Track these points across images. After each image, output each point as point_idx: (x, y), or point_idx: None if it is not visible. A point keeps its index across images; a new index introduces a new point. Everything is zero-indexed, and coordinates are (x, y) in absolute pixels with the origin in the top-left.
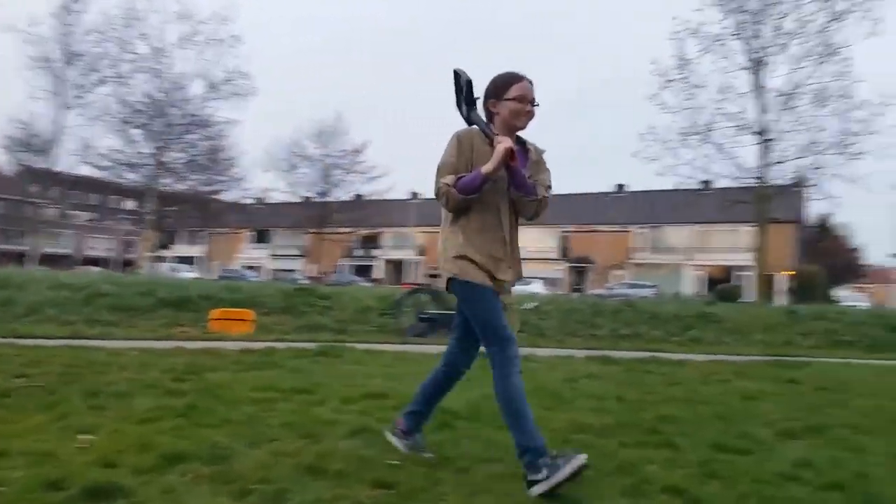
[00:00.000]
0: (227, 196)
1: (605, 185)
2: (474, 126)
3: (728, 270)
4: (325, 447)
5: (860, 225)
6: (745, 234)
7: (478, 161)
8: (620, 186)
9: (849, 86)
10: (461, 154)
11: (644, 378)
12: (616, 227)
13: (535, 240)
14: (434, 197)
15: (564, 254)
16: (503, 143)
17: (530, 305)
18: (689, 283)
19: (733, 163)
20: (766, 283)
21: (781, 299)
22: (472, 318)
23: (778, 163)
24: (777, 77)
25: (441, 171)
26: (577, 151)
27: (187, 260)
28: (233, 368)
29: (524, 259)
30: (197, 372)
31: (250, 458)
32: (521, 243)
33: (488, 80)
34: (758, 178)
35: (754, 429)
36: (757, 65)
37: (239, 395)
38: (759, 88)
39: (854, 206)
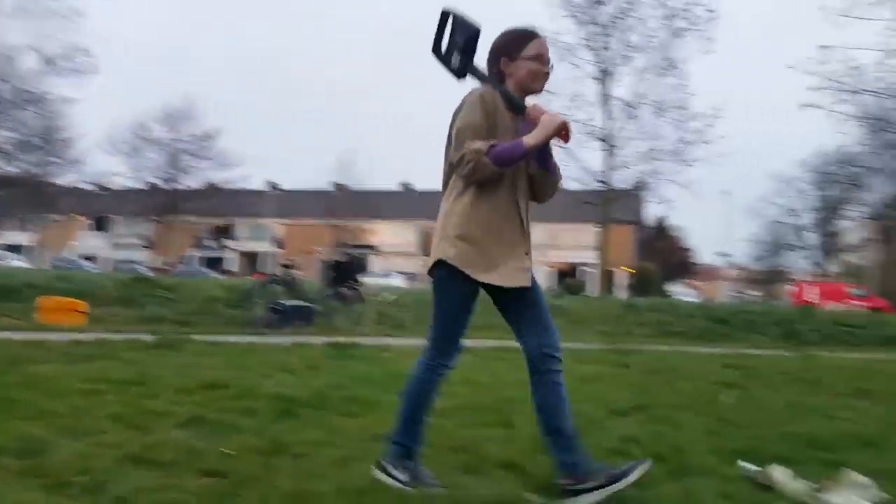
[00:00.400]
0: (63, 180)
1: None
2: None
3: (575, 267)
4: (155, 438)
5: (692, 227)
6: (590, 233)
7: (500, 129)
8: None
9: (685, 98)
10: (486, 117)
11: (493, 364)
12: None
13: (394, 234)
14: (454, 164)
15: (423, 249)
16: (555, 115)
17: (389, 298)
18: (542, 278)
19: (581, 166)
20: (608, 279)
21: (621, 293)
22: (437, 311)
23: (621, 168)
24: (622, 87)
25: (465, 134)
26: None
27: (16, 248)
28: (60, 360)
29: (385, 253)
30: (18, 363)
31: (69, 451)
32: (380, 237)
33: (497, 36)
34: (602, 181)
35: (588, 408)
36: (604, 75)
37: (64, 387)
38: (605, 97)
39: (687, 209)
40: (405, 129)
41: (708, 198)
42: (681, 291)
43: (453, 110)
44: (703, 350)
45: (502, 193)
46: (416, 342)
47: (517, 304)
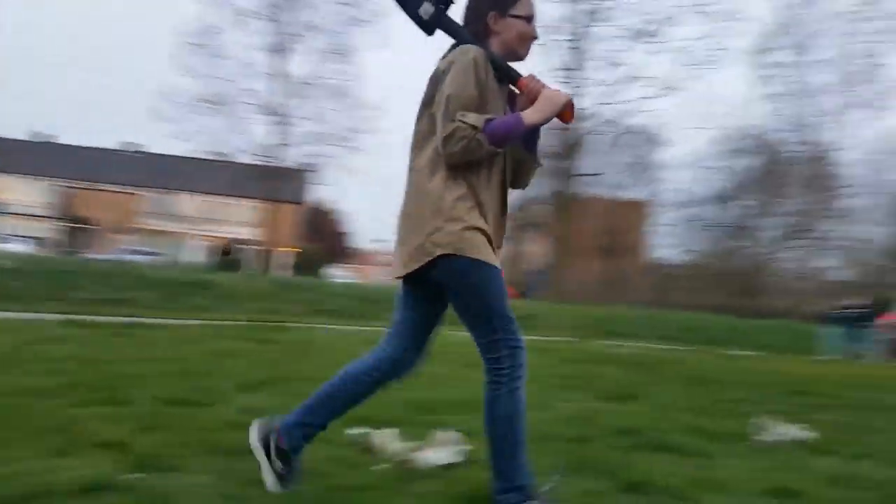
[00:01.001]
0: None
1: (113, 141)
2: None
3: (235, 242)
4: None
5: (355, 211)
6: (253, 209)
7: (490, 100)
8: (132, 145)
9: (357, 86)
10: (478, 85)
11: (120, 341)
12: (124, 189)
13: (21, 193)
14: (443, 139)
15: (61, 212)
16: (558, 90)
17: (2, 264)
18: (197, 253)
19: (248, 139)
20: (269, 257)
21: (283, 273)
22: (476, 309)
23: (289, 145)
24: (297, 65)
25: (458, 104)
26: (83, 98)
27: None
28: None
29: (8, 213)
30: None
31: None
32: (4, 196)
33: None
34: (270, 157)
35: (217, 383)
36: (279, 49)
37: None
38: (279, 72)
39: (351, 194)
40: (40, 68)
41: (371, 185)
42: (340, 274)
43: (435, 70)
44: (350, 328)
45: (494, 177)
46: (30, 316)
47: (435, 307)
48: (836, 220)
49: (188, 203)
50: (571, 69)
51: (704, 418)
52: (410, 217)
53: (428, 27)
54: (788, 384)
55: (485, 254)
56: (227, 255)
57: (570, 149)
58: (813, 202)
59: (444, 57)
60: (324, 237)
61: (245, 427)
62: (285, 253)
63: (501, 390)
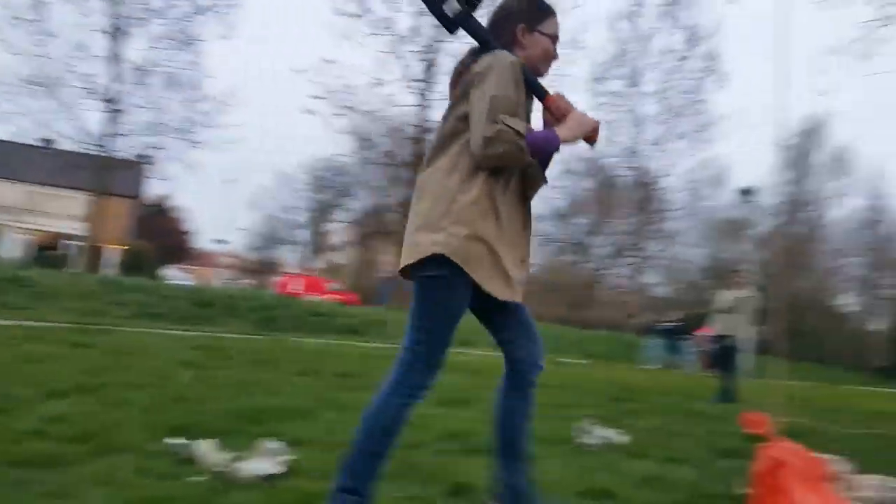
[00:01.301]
0: None
1: None
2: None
3: (58, 237)
4: None
5: (194, 209)
6: (80, 201)
7: (520, 110)
8: None
9: (199, 77)
10: (517, 91)
11: None
12: None
13: None
14: (485, 140)
15: None
16: (586, 114)
17: None
18: (16, 247)
19: (77, 125)
20: (96, 254)
21: (111, 272)
22: (428, 316)
23: (123, 135)
24: (135, 50)
25: (501, 107)
26: None
27: None
28: None
29: None
30: None
31: None
32: None
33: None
34: (100, 146)
35: (21, 390)
36: (117, 31)
37: None
38: (114, 56)
39: (190, 190)
40: None
41: (212, 182)
42: (176, 275)
43: (465, 70)
44: (179, 332)
45: (514, 185)
46: None
47: (504, 312)
48: (660, 241)
49: (7, 192)
50: (422, 81)
51: (533, 422)
52: (421, 215)
53: (451, 24)
54: (611, 391)
55: (472, 269)
56: (52, 250)
57: (422, 159)
58: (640, 223)
59: (469, 58)
60: (160, 235)
61: (46, 435)
62: (115, 250)
63: (394, 399)
